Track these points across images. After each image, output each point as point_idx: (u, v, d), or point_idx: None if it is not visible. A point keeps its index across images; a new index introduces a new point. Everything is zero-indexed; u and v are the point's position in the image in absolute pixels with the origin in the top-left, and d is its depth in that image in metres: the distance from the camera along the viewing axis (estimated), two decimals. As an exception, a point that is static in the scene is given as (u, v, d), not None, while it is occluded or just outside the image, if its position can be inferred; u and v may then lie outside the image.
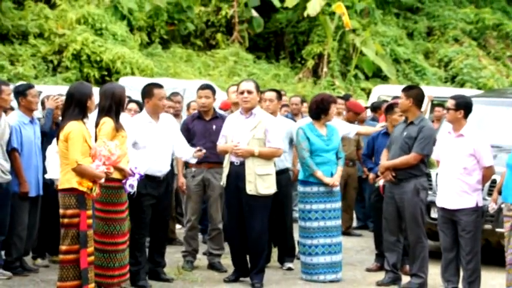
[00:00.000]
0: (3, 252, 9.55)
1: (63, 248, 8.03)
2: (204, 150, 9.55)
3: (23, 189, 9.41)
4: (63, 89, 11.28)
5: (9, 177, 9.25)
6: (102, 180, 8.16)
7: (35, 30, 23.26)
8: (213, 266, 10.20)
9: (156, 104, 9.31)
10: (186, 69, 25.43)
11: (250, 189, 9.42)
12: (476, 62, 30.64)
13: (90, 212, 8.09)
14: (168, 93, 12.48)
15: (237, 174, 9.46)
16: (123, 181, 8.48)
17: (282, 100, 11.39)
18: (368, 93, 24.34)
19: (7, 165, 9.19)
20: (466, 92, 18.16)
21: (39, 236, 9.93)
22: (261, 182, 9.48)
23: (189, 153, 9.65)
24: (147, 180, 8.95)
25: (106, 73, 22.74)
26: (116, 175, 8.37)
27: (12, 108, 10.11)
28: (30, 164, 9.52)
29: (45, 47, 23.11)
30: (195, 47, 27.63)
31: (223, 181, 9.57)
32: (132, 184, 8.51)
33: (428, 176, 9.91)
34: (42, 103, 10.24)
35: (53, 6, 24.22)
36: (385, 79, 28.00)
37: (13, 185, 9.33)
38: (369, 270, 10.72)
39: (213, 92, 10.55)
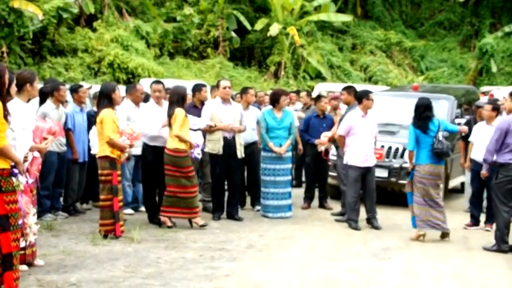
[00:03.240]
0: (62, 199, 9.53)
1: (101, 197, 8.01)
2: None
3: (75, 157, 9.35)
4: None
5: (65, 148, 9.19)
6: (128, 150, 8.12)
7: (82, 47, 23.05)
8: (205, 209, 10.12)
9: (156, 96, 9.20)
10: (186, 73, 25.29)
11: (239, 154, 9.54)
12: (385, 68, 30.65)
13: (119, 172, 8.04)
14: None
15: (230, 145, 9.46)
16: (191, 151, 8.65)
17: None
18: (312, 89, 24.28)
19: (64, 140, 9.13)
20: (379, 88, 18.22)
21: (85, 189, 9.87)
22: (242, 149, 9.62)
23: (198, 123, 9.37)
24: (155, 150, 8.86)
25: (131, 76, 22.54)
26: (183, 146, 8.51)
27: (66, 101, 10.00)
28: (79, 139, 9.46)
29: (89, 59, 22.88)
30: (192, 57, 27.42)
31: (220, 150, 9.42)
32: (199, 152, 8.81)
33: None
34: (95, 96, 10.06)
35: (94, 30, 24.01)
36: (324, 79, 27.95)
37: (68, 154, 9.28)
38: (303, 208, 10.73)
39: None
